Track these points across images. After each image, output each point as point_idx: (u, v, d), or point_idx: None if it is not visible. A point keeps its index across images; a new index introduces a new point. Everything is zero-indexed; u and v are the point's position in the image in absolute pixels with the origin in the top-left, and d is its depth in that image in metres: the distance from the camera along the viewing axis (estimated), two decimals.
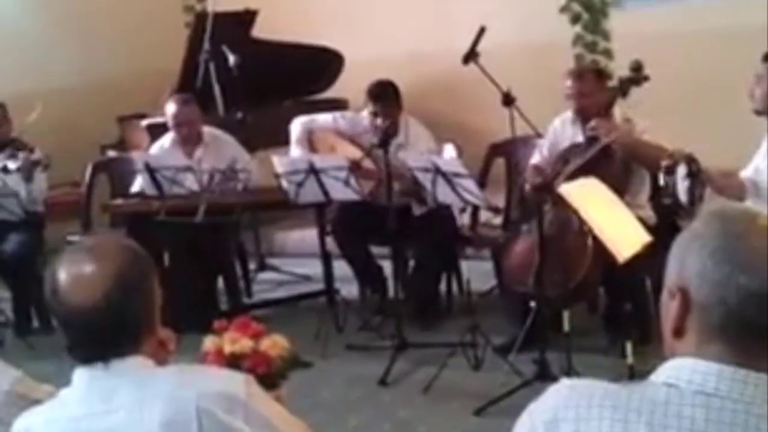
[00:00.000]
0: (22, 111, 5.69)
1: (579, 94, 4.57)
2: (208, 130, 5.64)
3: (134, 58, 7.59)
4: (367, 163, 4.96)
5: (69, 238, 5.60)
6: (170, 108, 5.52)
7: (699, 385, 1.25)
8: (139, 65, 7.54)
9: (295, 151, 5.36)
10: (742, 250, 1.26)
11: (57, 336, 1.74)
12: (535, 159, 4.83)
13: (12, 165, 5.21)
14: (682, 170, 3.63)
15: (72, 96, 7.24)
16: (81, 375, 1.71)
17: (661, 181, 3.71)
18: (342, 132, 5.35)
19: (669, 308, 1.32)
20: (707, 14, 6.13)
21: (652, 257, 3.53)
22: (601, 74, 4.77)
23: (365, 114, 5.21)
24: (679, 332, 1.31)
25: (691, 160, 3.62)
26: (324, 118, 5.47)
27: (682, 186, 3.62)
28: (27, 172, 5.26)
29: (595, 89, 4.58)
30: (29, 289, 5.41)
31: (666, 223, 4.21)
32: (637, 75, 4.54)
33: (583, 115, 4.59)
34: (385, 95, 5.12)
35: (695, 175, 3.59)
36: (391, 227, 4.61)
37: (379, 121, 5.02)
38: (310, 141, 5.37)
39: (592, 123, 4.44)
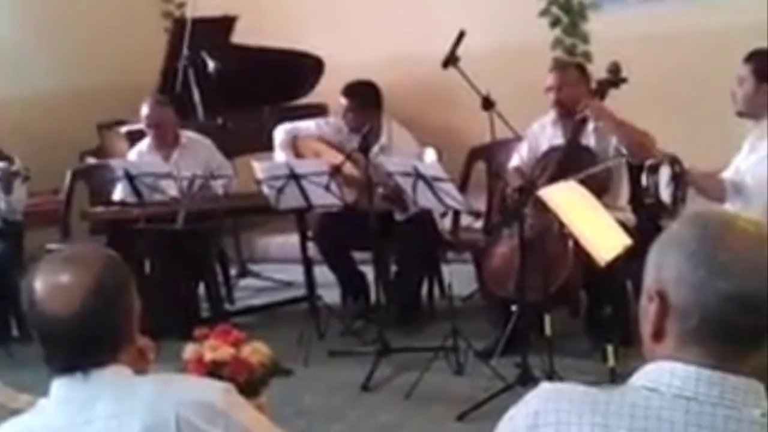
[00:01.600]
0: (1, 119, 5.65)
1: (561, 86, 4.59)
2: (186, 133, 5.63)
3: (113, 65, 7.55)
4: (349, 169, 4.96)
5: (48, 246, 5.56)
6: (144, 109, 5.50)
7: (678, 388, 1.26)
8: (118, 71, 7.50)
9: (280, 156, 5.36)
10: (719, 253, 1.26)
11: (36, 345, 1.73)
12: (514, 162, 4.84)
13: None
14: (665, 171, 3.64)
15: (50, 103, 7.20)
16: (59, 385, 1.70)
17: (644, 182, 3.72)
18: (326, 138, 5.34)
19: (647, 311, 1.32)
20: (686, 16, 6.16)
21: (633, 260, 3.54)
22: (584, 70, 4.79)
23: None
24: (658, 335, 1.31)
25: (674, 161, 3.64)
26: (307, 125, 5.47)
27: (665, 186, 3.64)
28: (6, 183, 5.22)
29: (577, 82, 4.61)
30: (8, 298, 5.36)
31: (647, 225, 4.23)
32: (615, 77, 4.57)
33: (562, 110, 4.61)
34: (356, 93, 5.15)
35: (678, 175, 3.61)
36: (373, 232, 4.61)
37: (349, 117, 5.05)
38: (295, 147, 5.37)
39: (584, 102, 4.45)
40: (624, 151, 4.42)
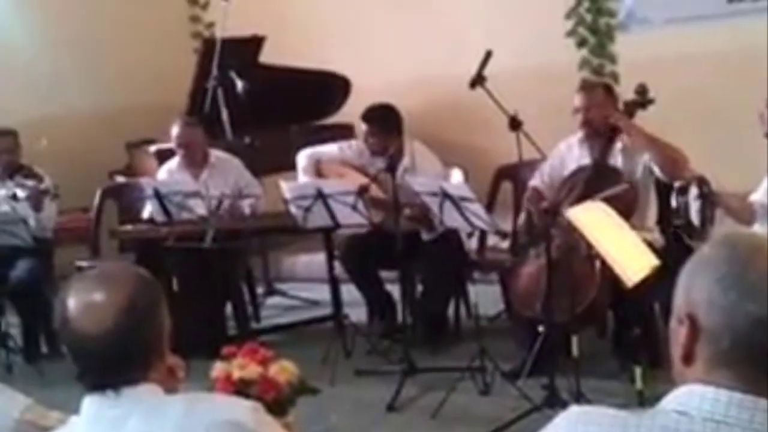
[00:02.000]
0: (32, 138, 5.72)
1: (588, 107, 4.58)
2: (215, 153, 5.68)
3: (143, 84, 7.63)
4: (375, 191, 4.98)
5: (78, 263, 5.62)
6: (174, 129, 5.57)
7: (708, 412, 1.25)
8: (148, 91, 7.58)
9: (303, 179, 5.38)
10: (749, 276, 1.26)
11: (66, 362, 1.75)
12: (535, 181, 4.84)
13: (21, 193, 5.24)
14: (693, 192, 3.64)
15: (81, 122, 7.28)
16: (90, 402, 1.71)
17: (674, 202, 3.71)
18: (348, 161, 5.36)
19: (678, 334, 1.31)
20: (713, 37, 6.15)
21: (660, 281, 3.53)
22: (611, 90, 4.78)
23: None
24: (688, 358, 1.31)
25: (702, 182, 3.63)
26: (329, 149, 5.49)
27: (693, 207, 3.63)
28: (36, 201, 5.29)
29: (604, 103, 4.60)
30: (38, 315, 5.42)
31: (675, 246, 4.21)
32: (642, 98, 4.57)
33: (589, 130, 4.60)
34: (375, 118, 5.17)
35: (707, 196, 3.60)
36: (399, 252, 4.61)
37: (370, 141, 5.06)
38: (318, 171, 5.39)
39: (615, 115, 4.45)
40: (656, 169, 4.40)
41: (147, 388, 1.70)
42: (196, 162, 5.58)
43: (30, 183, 5.30)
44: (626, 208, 4.16)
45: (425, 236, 5.11)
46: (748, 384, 1.25)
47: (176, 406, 1.70)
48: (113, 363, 1.67)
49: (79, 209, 6.33)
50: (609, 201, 4.02)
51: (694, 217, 3.59)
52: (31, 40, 7.25)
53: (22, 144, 5.64)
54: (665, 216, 4.44)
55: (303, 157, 5.46)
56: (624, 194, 4.31)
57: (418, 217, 4.94)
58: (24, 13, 7.27)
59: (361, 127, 5.24)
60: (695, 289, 1.29)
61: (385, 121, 5.18)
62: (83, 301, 1.68)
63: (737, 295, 1.25)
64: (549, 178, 4.77)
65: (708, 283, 1.28)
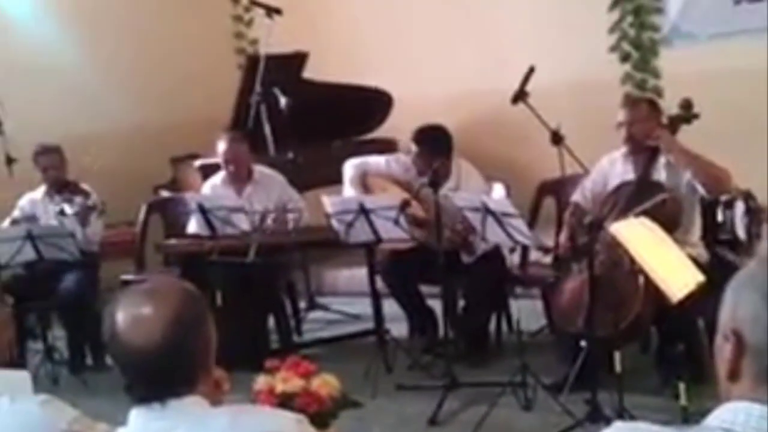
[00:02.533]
0: (78, 154, 5.81)
1: (632, 121, 4.55)
2: (258, 168, 5.73)
3: (187, 100, 7.72)
4: (417, 210, 4.98)
5: (123, 277, 5.69)
6: (221, 145, 5.62)
7: (755, 429, 1.24)
8: (192, 107, 7.67)
9: (349, 191, 5.41)
10: None
11: (111, 374, 1.79)
12: (577, 196, 4.82)
13: (69, 209, 5.32)
14: (740, 206, 3.61)
15: (126, 138, 7.39)
16: (138, 414, 1.74)
17: (720, 217, 3.69)
18: (394, 176, 5.38)
19: (723, 351, 1.31)
20: (758, 51, 6.09)
21: (705, 297, 3.50)
22: (655, 105, 4.75)
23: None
24: (734, 375, 1.30)
25: (749, 197, 3.60)
26: (376, 161, 5.51)
27: (740, 222, 3.60)
28: (83, 218, 5.37)
29: (648, 117, 4.57)
30: (84, 328, 5.50)
31: (720, 262, 4.17)
32: (687, 113, 4.54)
33: (634, 145, 4.58)
34: (426, 139, 5.15)
35: (753, 211, 3.57)
36: (441, 267, 4.62)
37: (419, 162, 5.06)
38: (364, 183, 5.42)
39: (657, 132, 4.43)
40: (699, 186, 4.37)
41: (193, 400, 1.72)
42: (240, 177, 5.63)
43: (78, 199, 5.38)
44: (670, 222, 4.13)
45: (465, 259, 5.10)
46: None
47: (221, 418, 1.72)
48: (160, 375, 1.70)
49: (124, 223, 6.41)
50: (652, 216, 4.00)
51: (740, 232, 3.56)
52: (77, 58, 7.37)
53: (68, 160, 5.73)
54: (710, 231, 4.40)
55: (350, 167, 5.49)
56: (667, 208, 4.28)
57: (458, 241, 4.94)
58: (71, 30, 7.39)
59: (411, 148, 5.23)
60: (741, 305, 1.29)
61: (435, 142, 5.16)
62: (131, 314, 1.72)
63: None
64: (591, 193, 4.75)
65: (754, 299, 1.27)
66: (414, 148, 5.19)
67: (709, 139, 4.59)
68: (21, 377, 2.25)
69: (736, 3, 6.26)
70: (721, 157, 4.39)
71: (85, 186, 5.63)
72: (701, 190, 4.37)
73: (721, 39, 6.30)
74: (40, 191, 5.77)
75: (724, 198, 3.67)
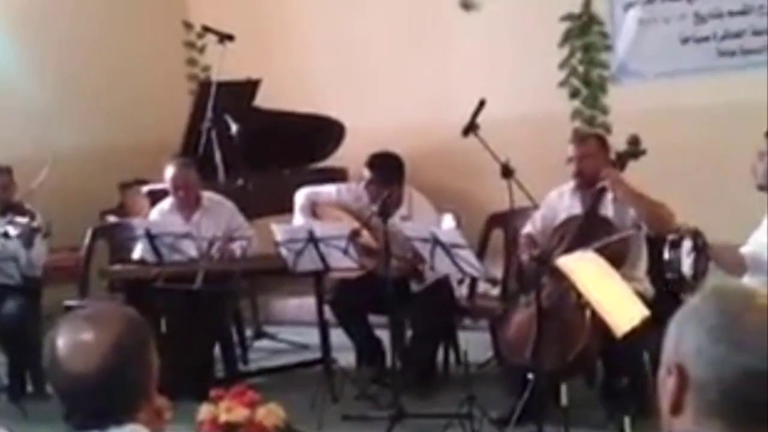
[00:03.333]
0: (25, 176, 5.72)
1: (581, 157, 4.61)
2: (207, 195, 5.68)
3: (137, 125, 7.66)
4: (367, 239, 4.98)
5: (66, 303, 5.60)
6: (169, 171, 5.56)
7: None
8: (141, 132, 7.61)
9: (299, 219, 5.40)
10: (739, 328, 1.26)
11: (50, 402, 1.75)
12: (527, 229, 4.85)
13: (12, 231, 5.23)
14: (687, 244, 3.65)
15: (73, 161, 7.28)
16: None
17: (666, 255, 3.73)
18: (345, 205, 5.38)
19: (666, 384, 1.32)
20: (705, 90, 6.22)
21: (650, 331, 3.53)
22: (604, 141, 4.81)
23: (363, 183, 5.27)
24: (676, 409, 1.31)
25: (696, 235, 3.64)
26: (328, 190, 5.51)
27: (686, 260, 3.64)
28: (27, 239, 5.27)
29: (597, 153, 4.63)
30: (25, 354, 5.38)
31: (665, 297, 4.22)
32: (635, 149, 4.60)
33: (582, 180, 4.63)
34: (379, 166, 5.17)
35: (701, 249, 3.61)
36: (389, 297, 4.61)
37: (371, 188, 5.06)
38: (314, 212, 5.40)
39: (605, 171, 4.48)
40: (642, 223, 4.43)
41: (133, 428, 1.69)
42: (189, 204, 5.58)
43: (22, 220, 5.29)
44: (617, 258, 4.17)
45: (414, 287, 5.10)
46: None
47: None
48: (100, 403, 1.67)
49: (68, 248, 6.31)
50: (599, 250, 4.04)
51: (687, 270, 3.60)
52: (26, 78, 7.28)
53: (16, 182, 5.64)
54: (656, 267, 4.45)
55: (301, 196, 5.48)
56: (614, 244, 4.33)
57: (407, 269, 4.95)
58: (20, 51, 7.31)
59: (364, 174, 5.23)
60: (684, 339, 1.30)
61: (388, 169, 5.18)
62: (72, 340, 1.68)
63: (726, 347, 1.25)
64: (541, 226, 4.79)
65: (697, 333, 1.28)
66: (367, 173, 5.20)
67: (656, 175, 4.67)
68: None
69: (683, 42, 6.39)
70: (668, 193, 4.46)
71: (29, 207, 5.53)
72: (645, 228, 4.44)
73: (669, 77, 6.41)
74: None
75: (671, 237, 3.71)
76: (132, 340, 1.70)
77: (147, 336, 1.74)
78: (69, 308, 5.39)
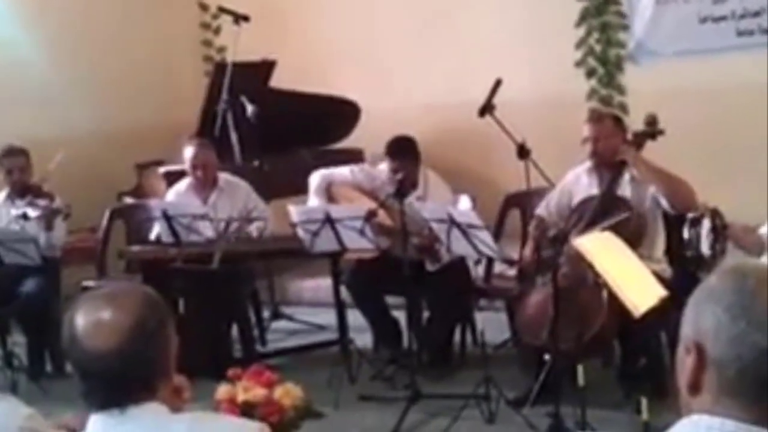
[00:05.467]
0: (42, 158, 5.75)
1: (597, 137, 4.58)
2: (223, 176, 5.70)
3: (153, 107, 7.68)
4: (383, 218, 4.98)
5: (84, 283, 5.63)
6: (188, 150, 5.58)
7: None
8: (158, 114, 7.63)
9: (314, 201, 5.40)
10: (757, 306, 1.26)
11: (70, 381, 1.76)
12: (540, 210, 4.84)
13: (32, 213, 5.26)
14: (706, 224, 3.64)
15: (91, 143, 7.31)
16: (96, 420, 1.72)
17: (686, 234, 3.71)
18: (360, 185, 5.37)
19: (684, 364, 1.32)
20: (721, 69, 6.18)
21: (668, 312, 3.52)
22: (620, 121, 4.79)
23: (383, 168, 5.24)
24: (694, 388, 1.31)
25: (715, 215, 3.63)
26: (342, 172, 5.50)
27: (705, 240, 3.63)
28: (47, 221, 5.31)
29: (613, 133, 4.60)
30: (44, 334, 5.43)
31: (683, 277, 4.20)
32: (652, 129, 4.58)
33: (598, 160, 4.61)
34: (402, 151, 5.15)
35: (719, 229, 3.60)
36: (406, 278, 4.61)
37: (398, 176, 5.02)
38: (329, 193, 5.40)
39: (623, 147, 4.46)
40: (662, 201, 4.41)
41: (152, 407, 1.70)
42: (206, 184, 5.60)
43: (42, 202, 5.31)
44: (634, 238, 4.16)
45: (430, 267, 5.10)
46: (754, 415, 1.25)
47: (181, 425, 1.71)
48: (119, 381, 1.68)
49: (87, 229, 6.34)
50: (617, 231, 4.03)
51: (705, 249, 3.58)
52: (41, 61, 7.30)
53: (33, 164, 5.67)
54: (674, 247, 4.44)
55: (316, 177, 5.47)
56: (631, 224, 4.31)
57: (425, 247, 4.94)
58: (36, 34, 7.32)
59: (386, 164, 5.18)
60: (703, 318, 1.29)
61: (411, 153, 5.16)
62: (91, 319, 1.69)
63: (745, 325, 1.25)
64: (556, 207, 4.77)
65: (716, 312, 1.28)
66: (388, 161, 5.16)
67: (673, 155, 4.64)
68: None
69: (701, 22, 6.34)
70: (686, 173, 4.43)
71: (48, 189, 5.56)
72: (665, 205, 4.41)
73: (686, 57, 6.37)
74: (1, 196, 5.69)
75: (690, 215, 3.70)
76: (151, 319, 1.70)
77: (166, 315, 1.75)
78: (87, 289, 5.43)
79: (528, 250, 4.71)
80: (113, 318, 1.68)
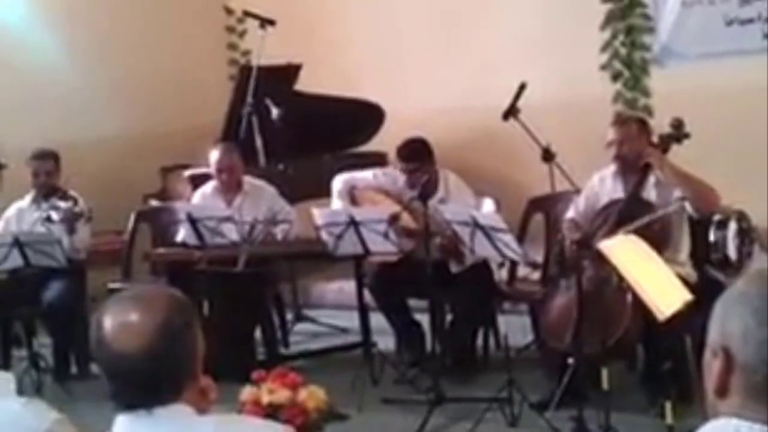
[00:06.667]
0: (68, 162, 5.79)
1: (622, 140, 4.56)
2: (248, 179, 5.72)
3: (178, 110, 7.72)
4: (407, 221, 4.98)
5: (110, 285, 5.67)
6: (213, 154, 5.62)
7: None
8: (183, 117, 7.66)
9: (337, 204, 5.41)
10: None
11: (95, 383, 1.77)
12: (570, 213, 4.82)
13: (56, 216, 5.30)
14: (732, 226, 3.62)
15: (116, 146, 7.37)
16: (123, 421, 1.73)
17: (712, 237, 3.70)
18: (383, 188, 5.38)
19: (712, 367, 1.31)
20: (748, 72, 6.12)
21: (693, 316, 3.51)
22: (645, 124, 4.76)
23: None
24: (722, 392, 1.30)
25: (741, 217, 3.61)
26: (364, 175, 5.51)
27: (732, 242, 3.61)
28: (69, 224, 5.34)
29: (638, 136, 4.58)
30: (70, 335, 5.47)
31: (708, 281, 4.18)
32: (678, 132, 4.55)
33: (623, 164, 4.58)
34: (413, 155, 5.15)
35: (746, 232, 3.58)
36: (429, 281, 4.61)
37: (421, 179, 5.01)
38: (352, 197, 5.42)
39: (648, 149, 4.44)
40: (687, 204, 4.39)
41: (179, 408, 1.71)
42: (231, 187, 5.63)
43: (64, 205, 5.35)
44: (659, 242, 4.13)
45: (454, 269, 5.10)
46: None
47: (207, 427, 1.72)
48: (147, 383, 1.69)
49: (112, 232, 6.38)
50: (641, 234, 4.01)
51: (732, 252, 3.57)
52: (68, 65, 7.35)
53: (61, 167, 5.71)
54: (701, 250, 4.41)
55: (339, 182, 5.49)
56: (656, 227, 4.29)
57: (449, 247, 4.94)
58: (63, 38, 7.37)
59: (398, 166, 5.21)
60: (730, 322, 1.29)
61: (423, 156, 5.16)
62: (119, 321, 1.70)
63: None
64: (584, 209, 4.75)
65: (743, 316, 1.28)
66: (400, 164, 5.17)
67: (699, 158, 4.61)
68: (4, 379, 2.24)
69: (728, 24, 6.30)
70: (712, 176, 4.41)
71: (73, 193, 5.60)
72: (690, 208, 4.39)
73: (712, 59, 6.33)
74: (27, 199, 5.74)
75: (717, 218, 3.68)
76: (178, 321, 1.71)
77: (192, 317, 1.76)
78: (113, 291, 5.46)
79: (553, 253, 4.68)
80: (140, 320, 1.69)
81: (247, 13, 7.05)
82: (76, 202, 5.45)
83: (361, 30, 7.69)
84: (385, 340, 5.39)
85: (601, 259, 3.98)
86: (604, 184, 4.73)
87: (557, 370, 4.36)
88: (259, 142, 6.45)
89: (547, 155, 4.62)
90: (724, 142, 5.95)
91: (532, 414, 4.34)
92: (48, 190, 5.61)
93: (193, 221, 5.22)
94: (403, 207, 4.92)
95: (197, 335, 1.76)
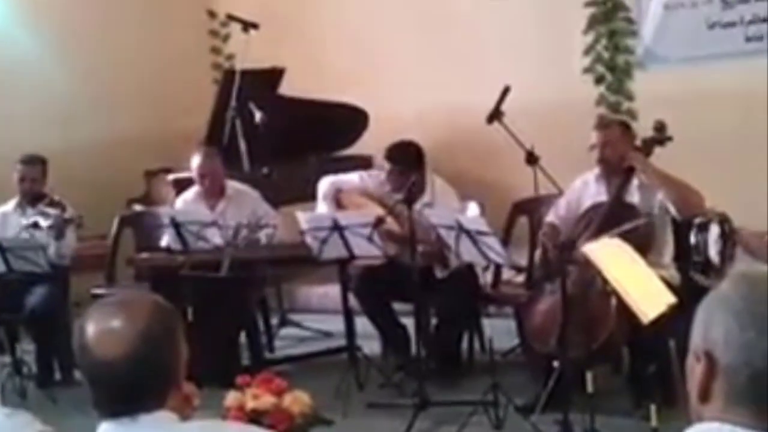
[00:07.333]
0: (52, 165, 5.75)
1: (605, 143, 4.58)
2: (231, 184, 5.71)
3: (162, 114, 7.70)
4: (391, 225, 4.98)
5: (93, 291, 5.64)
6: (195, 160, 5.60)
7: None
8: (167, 121, 7.65)
9: (322, 207, 5.40)
10: (766, 313, 1.26)
11: (79, 389, 1.76)
12: (551, 217, 4.83)
13: (44, 222, 5.28)
14: (714, 229, 3.63)
15: (99, 151, 7.34)
16: (106, 429, 1.72)
17: (693, 239, 3.70)
18: (369, 191, 5.37)
19: (694, 371, 1.31)
20: (730, 76, 6.16)
21: (677, 318, 3.51)
22: (628, 127, 4.78)
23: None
24: (705, 396, 1.30)
25: (724, 220, 3.62)
26: (350, 178, 5.51)
27: (714, 245, 3.62)
28: (58, 231, 5.32)
29: (621, 139, 4.59)
30: (53, 341, 5.44)
31: (692, 284, 4.19)
32: (661, 135, 4.57)
33: (605, 167, 4.60)
34: (400, 157, 5.15)
35: (728, 234, 3.59)
36: (414, 285, 4.61)
37: (393, 179, 5.03)
38: (337, 200, 5.41)
39: (630, 153, 4.46)
40: (670, 207, 4.40)
41: (162, 415, 1.70)
42: (214, 192, 5.61)
43: (53, 212, 5.33)
44: (643, 245, 4.14)
45: (439, 274, 5.10)
46: (765, 422, 1.25)
47: None
48: (130, 389, 1.68)
49: (96, 236, 6.35)
50: (625, 237, 4.02)
51: (713, 255, 3.58)
52: (51, 70, 7.32)
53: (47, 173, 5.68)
54: (682, 253, 4.43)
55: (324, 184, 5.48)
56: (640, 230, 4.30)
57: (433, 254, 4.94)
58: (46, 43, 7.34)
59: (384, 165, 5.22)
60: (712, 326, 1.29)
61: (408, 158, 5.16)
62: (102, 327, 1.69)
63: (755, 333, 1.25)
64: (565, 213, 4.76)
65: (726, 320, 1.28)
66: (387, 165, 5.19)
67: (682, 161, 4.63)
68: None
69: (710, 27, 6.34)
70: (694, 179, 4.43)
71: (59, 199, 5.58)
72: (673, 211, 4.41)
73: (695, 63, 6.36)
74: (11, 203, 5.71)
75: (698, 220, 3.69)
76: (161, 327, 1.70)
77: (176, 323, 1.75)
78: (96, 296, 5.44)
79: (537, 256, 4.70)
80: (123, 326, 1.68)
81: (230, 17, 7.03)
82: (64, 208, 5.42)
83: (345, 33, 7.69)
84: (370, 345, 5.39)
85: (585, 263, 3.99)
86: (587, 188, 4.74)
87: (542, 374, 4.37)
88: (242, 146, 6.43)
89: (531, 158, 4.62)
90: (707, 144, 5.98)
91: (517, 417, 4.35)
92: (33, 196, 5.58)
93: (176, 226, 5.21)
94: (387, 211, 4.91)
95: (180, 342, 1.75)
